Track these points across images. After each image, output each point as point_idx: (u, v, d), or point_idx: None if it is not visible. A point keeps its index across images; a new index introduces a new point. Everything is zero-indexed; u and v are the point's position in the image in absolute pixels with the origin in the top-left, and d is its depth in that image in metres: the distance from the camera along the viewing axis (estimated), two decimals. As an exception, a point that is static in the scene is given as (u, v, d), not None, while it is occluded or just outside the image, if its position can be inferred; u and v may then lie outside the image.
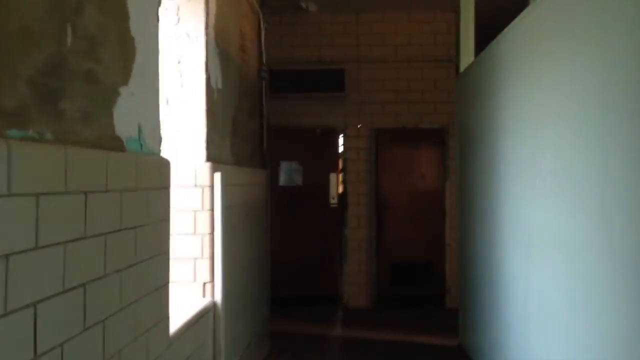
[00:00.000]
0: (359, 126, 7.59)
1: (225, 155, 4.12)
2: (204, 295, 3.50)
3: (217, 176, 3.56)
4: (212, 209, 3.53)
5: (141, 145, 2.43)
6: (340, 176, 7.67)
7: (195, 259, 3.50)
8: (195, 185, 3.52)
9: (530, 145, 3.42)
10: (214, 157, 3.76)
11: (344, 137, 7.62)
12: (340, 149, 7.70)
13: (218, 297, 3.52)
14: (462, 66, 5.76)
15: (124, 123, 2.25)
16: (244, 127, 4.99)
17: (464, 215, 5.79)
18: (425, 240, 7.60)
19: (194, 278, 3.49)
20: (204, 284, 3.50)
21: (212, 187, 3.54)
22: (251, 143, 5.35)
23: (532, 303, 3.43)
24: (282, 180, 7.57)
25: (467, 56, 5.56)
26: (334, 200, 7.61)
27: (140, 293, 2.31)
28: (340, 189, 7.65)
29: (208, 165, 3.55)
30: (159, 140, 2.63)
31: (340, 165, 7.68)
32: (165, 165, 2.63)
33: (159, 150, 2.64)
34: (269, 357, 5.37)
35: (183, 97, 3.58)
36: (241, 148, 4.77)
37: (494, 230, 4.32)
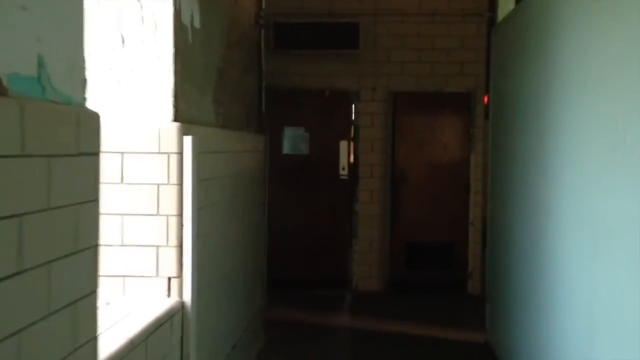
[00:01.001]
0: (373, 89, 6.70)
1: (205, 115, 3.28)
2: (169, 294, 2.71)
3: (188, 140, 2.73)
4: (181, 183, 2.72)
5: (43, 88, 1.60)
6: (352, 145, 6.80)
7: (158, 247, 2.70)
8: (159, 152, 2.70)
9: (606, 107, 2.54)
10: (188, 116, 2.93)
11: (357, 100, 6.73)
12: (353, 114, 6.81)
13: (187, 296, 2.72)
14: (500, 15, 4.84)
15: (3, 50, 1.41)
16: (236, 83, 4.14)
17: (496, 192, 4.94)
18: (446, 218, 6.77)
19: (157, 272, 2.70)
20: (169, 279, 2.71)
21: (181, 154, 2.72)
22: (246, 103, 4.50)
23: (600, 311, 2.61)
24: (286, 148, 6.73)
25: (506, 3, 4.63)
26: (344, 172, 6.77)
27: (35, 313, 1.51)
28: (352, 159, 6.79)
29: (175, 126, 2.72)
30: (80, 84, 1.80)
31: (352, 133, 6.81)
32: (90, 121, 1.81)
33: (82, 100, 1.81)
34: (260, 356, 4.61)
35: (144, 36, 2.73)
36: (231, 108, 3.93)
37: (542, 211, 3.47)
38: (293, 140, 6.76)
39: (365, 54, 6.59)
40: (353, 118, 6.77)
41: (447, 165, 6.79)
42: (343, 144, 6.77)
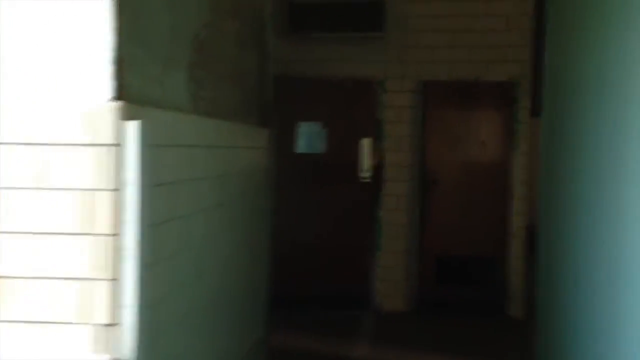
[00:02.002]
0: (401, 78, 5.84)
1: (175, 97, 2.46)
2: (97, 349, 1.88)
3: (132, 127, 1.90)
4: (119, 188, 1.89)
5: None
6: (376, 143, 5.93)
7: (85, 280, 1.87)
8: (91, 144, 1.88)
9: None
10: (142, 95, 2.10)
11: (382, 91, 5.87)
12: (377, 107, 5.94)
13: (126, 351, 1.89)
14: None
15: None
16: (229, 61, 3.33)
17: (549, 197, 4.03)
18: (483, 228, 5.88)
19: (81, 317, 1.87)
20: (100, 327, 1.88)
21: (120, 146, 1.89)
22: (244, 88, 3.68)
23: None
24: (300, 146, 5.90)
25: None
26: (366, 174, 5.90)
27: None
28: (375, 159, 5.92)
29: (113, 106, 1.89)
30: None
31: (376, 129, 5.94)
32: None
33: None
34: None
35: (71, -22, 1.91)
36: (219, 92, 3.11)
37: (624, 223, 2.56)
38: (308, 137, 5.93)
39: (392, 38, 5.73)
40: (377, 112, 5.90)
41: (485, 167, 5.89)
42: (365, 142, 5.91)
